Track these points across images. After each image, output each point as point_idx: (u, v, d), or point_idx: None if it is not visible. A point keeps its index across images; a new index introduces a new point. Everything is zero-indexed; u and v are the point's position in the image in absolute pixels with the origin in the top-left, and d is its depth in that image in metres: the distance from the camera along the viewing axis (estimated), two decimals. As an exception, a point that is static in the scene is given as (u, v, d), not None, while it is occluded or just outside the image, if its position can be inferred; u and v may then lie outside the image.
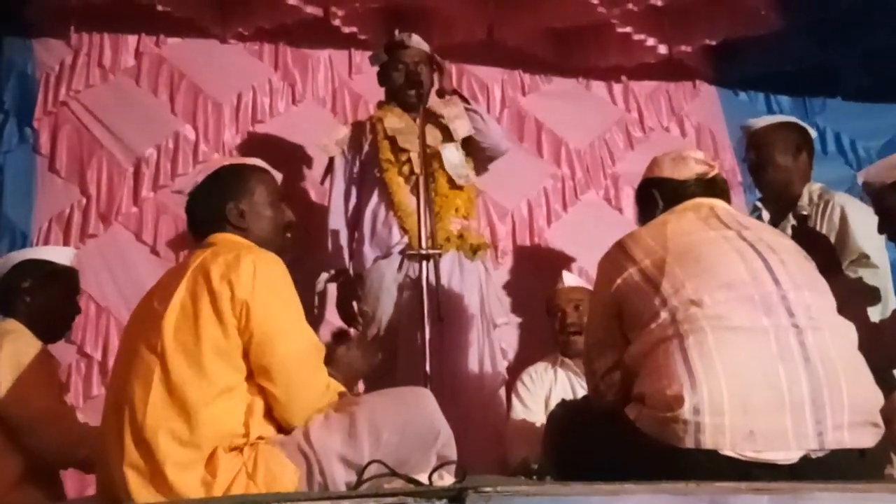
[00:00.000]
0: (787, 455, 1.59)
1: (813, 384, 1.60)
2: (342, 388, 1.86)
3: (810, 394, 1.60)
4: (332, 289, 3.17)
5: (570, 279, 3.23)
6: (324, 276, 3.06)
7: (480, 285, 3.04)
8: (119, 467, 1.66)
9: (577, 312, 3.06)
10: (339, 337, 2.07)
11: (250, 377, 1.74)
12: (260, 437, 1.72)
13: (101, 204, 3.48)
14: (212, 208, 1.92)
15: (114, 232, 3.48)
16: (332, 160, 3.17)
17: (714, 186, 2.00)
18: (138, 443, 1.65)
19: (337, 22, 3.59)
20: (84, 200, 3.48)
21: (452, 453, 1.83)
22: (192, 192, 1.98)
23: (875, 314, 2.52)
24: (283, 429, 1.77)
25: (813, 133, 3.00)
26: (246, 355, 1.72)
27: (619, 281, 1.81)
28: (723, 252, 1.77)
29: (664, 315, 1.69)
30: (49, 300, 2.53)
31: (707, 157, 2.09)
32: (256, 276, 1.72)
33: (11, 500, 2.28)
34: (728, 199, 2.01)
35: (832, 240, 2.62)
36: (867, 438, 1.64)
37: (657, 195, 2.01)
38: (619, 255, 1.87)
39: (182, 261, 1.87)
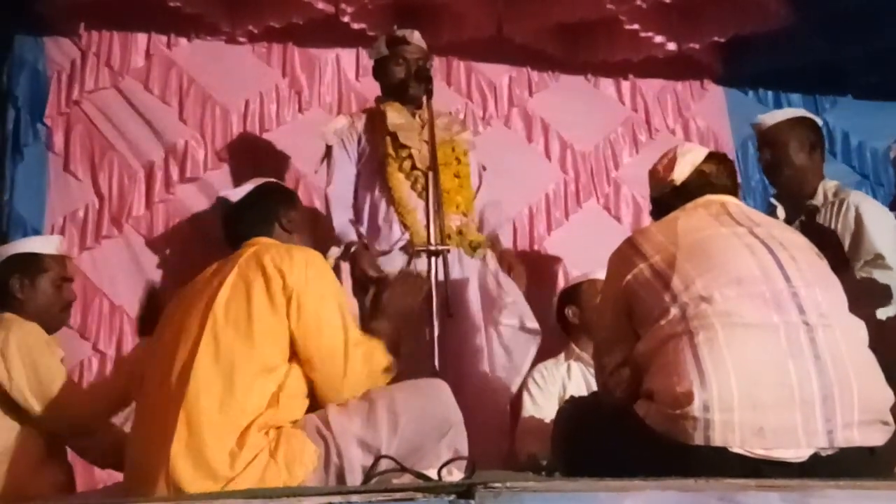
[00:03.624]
0: (797, 453, 1.58)
1: (823, 382, 1.60)
2: (385, 363, 1.88)
3: (820, 391, 1.59)
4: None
5: (599, 273, 3.18)
6: (334, 251, 3.01)
7: (480, 280, 3.03)
8: (162, 435, 1.68)
9: None
10: (379, 283, 2.16)
11: (290, 361, 1.79)
12: (288, 420, 1.75)
13: (113, 205, 3.50)
14: (265, 210, 2.09)
15: (126, 234, 3.50)
16: (329, 149, 3.14)
17: (720, 178, 1.99)
18: (178, 410, 1.67)
19: (346, 18, 3.59)
20: (97, 201, 3.50)
21: (464, 446, 1.85)
22: (243, 198, 2.12)
23: (886, 313, 2.50)
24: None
25: (819, 122, 2.96)
26: (291, 341, 1.78)
27: (629, 277, 1.80)
28: (733, 248, 1.76)
29: (674, 311, 1.69)
30: (40, 292, 2.53)
31: (698, 151, 2.05)
32: (308, 269, 1.82)
33: (32, 480, 2.32)
34: (736, 185, 2.00)
35: (847, 239, 2.60)
36: (877, 436, 1.64)
37: (668, 205, 2.00)
38: (629, 251, 1.86)
39: (224, 259, 1.94)
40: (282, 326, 1.76)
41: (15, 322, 2.43)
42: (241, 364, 1.71)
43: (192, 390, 1.68)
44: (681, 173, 1.99)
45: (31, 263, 2.55)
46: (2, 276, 2.52)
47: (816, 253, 1.85)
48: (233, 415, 1.68)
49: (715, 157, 2.04)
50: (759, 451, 1.58)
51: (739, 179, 3.90)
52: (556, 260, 3.85)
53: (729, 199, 1.95)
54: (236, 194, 2.16)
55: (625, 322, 1.83)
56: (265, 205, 2.10)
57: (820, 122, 2.97)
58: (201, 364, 1.70)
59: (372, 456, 1.72)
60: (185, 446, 1.65)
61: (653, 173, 2.09)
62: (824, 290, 1.73)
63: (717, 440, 1.58)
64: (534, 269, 3.80)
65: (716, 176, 1.99)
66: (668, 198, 2.00)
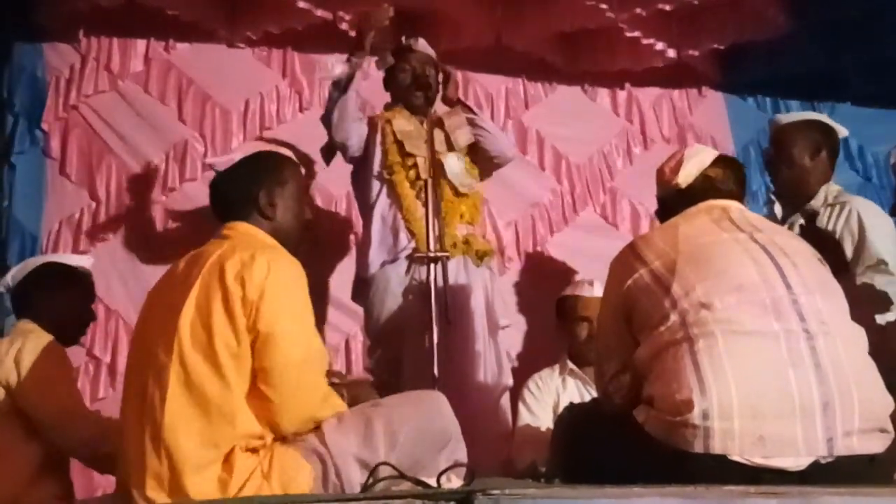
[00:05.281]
0: (797, 461, 1.58)
1: (823, 390, 1.59)
2: (343, 408, 1.81)
3: (820, 399, 1.59)
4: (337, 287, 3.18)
5: (599, 289, 3.16)
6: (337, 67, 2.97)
7: (486, 289, 3.03)
8: (138, 466, 1.65)
9: None
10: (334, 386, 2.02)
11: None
12: (277, 439, 1.71)
13: (110, 208, 3.51)
14: (242, 191, 1.91)
15: (123, 237, 3.51)
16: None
17: (726, 183, 1.98)
18: (157, 442, 1.63)
19: (344, 26, 3.60)
20: (94, 204, 3.51)
21: (463, 457, 1.83)
22: (226, 171, 1.97)
23: (886, 318, 2.49)
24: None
25: (844, 132, 2.90)
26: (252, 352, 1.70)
27: (629, 282, 1.80)
28: (734, 255, 1.75)
29: (674, 317, 1.68)
30: (68, 303, 2.57)
31: (706, 154, 2.04)
32: (269, 277, 1.70)
33: (29, 492, 2.32)
34: (743, 190, 1.99)
35: (849, 244, 2.58)
36: (877, 444, 1.63)
37: (672, 207, 1.99)
38: (629, 256, 1.86)
39: (198, 251, 1.84)
40: (244, 347, 1.67)
41: (34, 332, 2.46)
42: (212, 391, 1.64)
43: (168, 426, 1.62)
44: (686, 176, 1.97)
45: (65, 274, 2.60)
46: (35, 280, 2.56)
47: (818, 259, 1.84)
48: (214, 444, 1.63)
49: (723, 161, 2.02)
50: (758, 460, 1.57)
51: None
52: (553, 269, 3.85)
53: (731, 204, 1.93)
54: (224, 164, 1.99)
55: (625, 328, 1.82)
56: (245, 185, 1.91)
57: (843, 132, 2.89)
58: (174, 398, 1.64)
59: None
60: (168, 487, 1.61)
61: (660, 173, 2.07)
62: (825, 298, 1.73)
63: (717, 448, 1.57)
64: (537, 274, 3.81)
65: (721, 180, 1.97)
66: (672, 200, 1.99)
